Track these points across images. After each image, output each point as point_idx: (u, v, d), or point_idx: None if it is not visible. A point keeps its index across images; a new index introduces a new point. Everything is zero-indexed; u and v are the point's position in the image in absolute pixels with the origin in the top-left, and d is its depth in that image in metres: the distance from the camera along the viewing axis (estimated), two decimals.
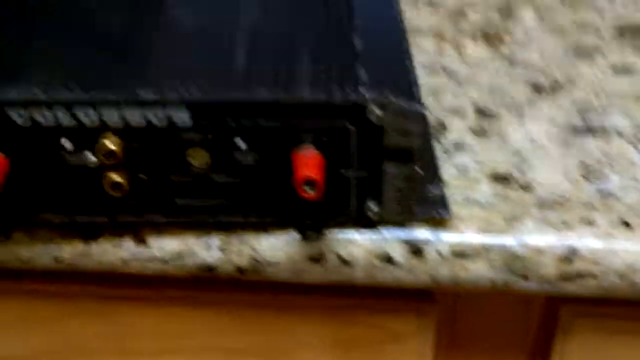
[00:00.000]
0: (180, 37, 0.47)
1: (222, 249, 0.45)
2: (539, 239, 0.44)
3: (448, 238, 0.45)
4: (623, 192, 0.47)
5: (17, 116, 0.42)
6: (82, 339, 0.53)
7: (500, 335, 0.54)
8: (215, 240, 0.45)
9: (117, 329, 0.53)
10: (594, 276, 0.44)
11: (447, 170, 0.49)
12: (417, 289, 0.48)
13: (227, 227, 0.45)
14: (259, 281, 0.47)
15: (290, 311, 0.51)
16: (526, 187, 0.47)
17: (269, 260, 0.45)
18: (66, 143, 0.42)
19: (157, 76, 0.44)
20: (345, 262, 0.45)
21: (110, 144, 0.42)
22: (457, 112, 0.54)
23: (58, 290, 0.52)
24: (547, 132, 0.52)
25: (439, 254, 0.45)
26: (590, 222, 0.45)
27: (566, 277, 0.45)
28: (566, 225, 0.45)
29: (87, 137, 0.42)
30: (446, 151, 0.50)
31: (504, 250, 0.44)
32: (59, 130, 0.42)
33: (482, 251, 0.44)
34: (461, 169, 0.49)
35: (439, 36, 0.62)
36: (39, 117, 0.42)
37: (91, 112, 0.41)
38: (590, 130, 0.52)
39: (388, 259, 0.45)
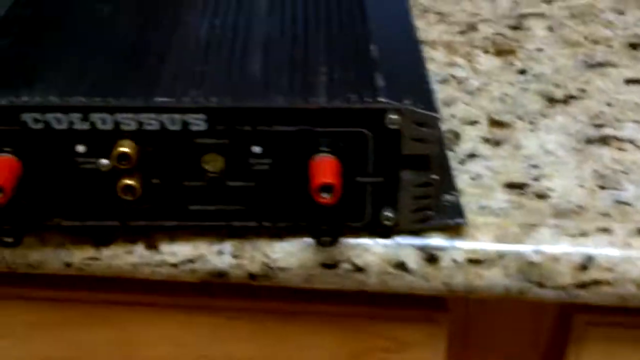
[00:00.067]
0: (195, 43, 0.47)
1: (234, 255, 0.45)
2: (554, 247, 0.44)
3: (463, 245, 0.44)
4: (638, 201, 0.47)
5: (32, 121, 0.41)
6: (91, 346, 0.53)
7: (512, 344, 0.54)
8: (227, 246, 0.45)
9: (125, 335, 0.53)
10: (609, 284, 0.44)
11: (462, 179, 0.48)
12: (429, 297, 0.48)
13: (240, 232, 0.45)
14: (268, 289, 0.47)
15: (298, 320, 0.51)
16: (541, 196, 0.47)
17: (281, 266, 0.45)
18: (80, 147, 0.42)
19: (173, 82, 0.44)
20: (358, 268, 0.45)
21: (125, 147, 0.42)
22: (471, 122, 0.54)
23: (67, 296, 0.52)
24: (561, 141, 0.52)
25: (454, 261, 0.44)
26: (606, 231, 0.45)
27: (582, 285, 0.44)
28: (582, 234, 0.45)
29: (102, 141, 0.42)
30: (460, 160, 0.50)
31: (519, 257, 0.44)
32: (73, 134, 0.42)
33: (497, 258, 0.44)
34: (476, 177, 0.49)
35: (450, 48, 0.62)
36: (53, 122, 0.41)
37: (107, 117, 0.41)
38: (604, 140, 0.52)
39: (402, 266, 0.45)
